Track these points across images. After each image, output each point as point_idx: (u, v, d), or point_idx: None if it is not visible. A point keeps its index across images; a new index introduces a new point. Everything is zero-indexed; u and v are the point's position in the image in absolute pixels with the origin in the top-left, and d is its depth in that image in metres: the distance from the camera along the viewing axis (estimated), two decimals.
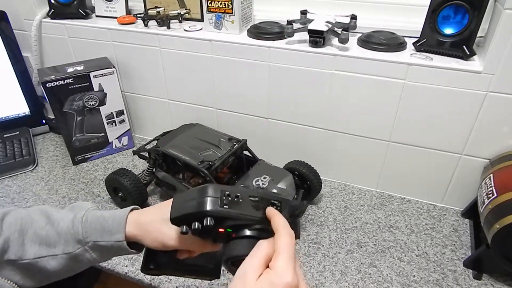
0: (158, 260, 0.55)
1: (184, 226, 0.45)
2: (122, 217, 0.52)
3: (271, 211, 0.46)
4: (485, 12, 0.72)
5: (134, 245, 0.53)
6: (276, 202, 0.47)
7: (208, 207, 0.43)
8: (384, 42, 0.81)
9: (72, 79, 0.97)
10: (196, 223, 0.44)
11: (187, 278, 0.60)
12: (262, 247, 0.43)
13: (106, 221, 0.52)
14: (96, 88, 1.01)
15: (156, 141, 0.90)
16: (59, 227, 0.52)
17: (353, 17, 0.87)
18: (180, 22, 1.01)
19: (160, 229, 0.50)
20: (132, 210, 0.54)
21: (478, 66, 0.73)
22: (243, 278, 0.41)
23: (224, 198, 0.45)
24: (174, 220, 0.47)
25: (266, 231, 0.44)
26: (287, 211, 0.47)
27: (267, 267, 0.42)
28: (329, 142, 0.94)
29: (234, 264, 0.44)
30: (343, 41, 0.80)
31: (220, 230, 0.45)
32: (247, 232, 0.45)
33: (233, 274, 0.44)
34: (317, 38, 0.82)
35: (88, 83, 0.99)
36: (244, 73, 0.93)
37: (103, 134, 1.08)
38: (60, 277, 0.53)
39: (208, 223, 0.43)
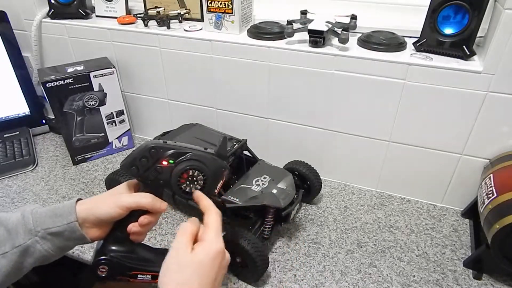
0: (110, 251, 0.56)
1: (133, 167, 0.55)
2: (72, 201, 0.55)
3: (198, 195, 0.57)
4: (485, 12, 0.72)
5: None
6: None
7: (151, 144, 0.55)
8: (384, 42, 0.81)
9: (72, 79, 0.97)
10: (142, 158, 0.55)
11: (141, 282, 0.58)
12: (186, 227, 0.51)
13: (57, 208, 0.55)
14: (96, 88, 1.01)
15: None
16: (8, 224, 0.52)
17: (353, 17, 0.87)
18: (180, 22, 1.01)
19: (112, 195, 0.57)
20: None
21: (478, 66, 0.73)
22: (175, 254, 0.48)
23: (163, 141, 0.57)
24: (125, 166, 0.56)
25: (198, 161, 0.56)
26: (212, 168, 0.57)
27: (195, 242, 0.50)
28: (329, 142, 0.94)
29: (180, 179, 0.55)
30: (343, 41, 0.80)
31: (164, 162, 0.55)
32: (187, 156, 0.55)
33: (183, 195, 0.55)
34: (317, 38, 0.82)
35: (88, 83, 0.99)
36: (244, 73, 0.93)
37: (103, 134, 1.08)
38: (9, 280, 0.52)
39: (152, 151, 0.55)
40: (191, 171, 0.55)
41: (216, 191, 0.58)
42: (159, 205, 0.56)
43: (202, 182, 0.56)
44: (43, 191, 0.97)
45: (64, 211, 0.54)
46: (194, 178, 0.56)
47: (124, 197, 0.55)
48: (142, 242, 0.60)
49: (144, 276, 0.58)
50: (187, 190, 0.56)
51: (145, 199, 0.55)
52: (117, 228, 0.57)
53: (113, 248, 0.56)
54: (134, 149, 0.57)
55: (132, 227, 0.56)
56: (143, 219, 0.56)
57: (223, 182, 0.58)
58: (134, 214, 0.56)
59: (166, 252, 0.62)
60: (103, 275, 0.56)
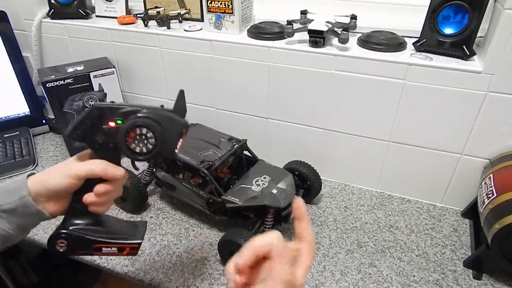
0: (70, 225, 0.54)
1: (78, 131, 0.52)
2: (23, 176, 0.52)
3: (300, 209, 0.46)
4: (485, 12, 0.72)
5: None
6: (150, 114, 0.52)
7: (96, 105, 0.52)
8: (384, 42, 0.81)
9: (72, 79, 0.97)
10: (87, 120, 0.51)
11: (107, 255, 0.57)
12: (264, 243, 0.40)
13: (7, 184, 0.52)
14: (96, 88, 1.01)
15: None
16: None
17: (353, 17, 0.87)
18: (180, 22, 1.01)
19: (64, 165, 0.53)
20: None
21: (478, 66, 0.73)
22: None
23: (111, 101, 0.54)
24: (70, 131, 0.52)
25: (149, 118, 0.50)
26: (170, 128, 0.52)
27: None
28: (329, 142, 0.94)
29: (127, 139, 0.51)
30: (343, 41, 0.80)
31: (111, 124, 0.51)
32: (138, 114, 0.51)
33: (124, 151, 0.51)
34: (317, 38, 0.82)
35: (88, 83, 0.99)
36: (244, 73, 0.93)
37: None
38: None
39: (96, 112, 0.51)
40: (138, 129, 0.50)
41: (176, 151, 0.54)
42: (113, 171, 0.52)
43: (153, 140, 0.51)
44: None
45: (14, 187, 0.51)
46: (143, 137, 0.50)
47: (75, 166, 0.52)
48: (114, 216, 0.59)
49: (110, 249, 0.56)
50: (137, 150, 0.51)
51: (97, 166, 0.52)
52: (75, 201, 0.54)
53: (74, 221, 0.54)
54: None
55: (88, 197, 0.52)
56: (99, 188, 0.52)
57: (183, 141, 0.54)
58: (91, 183, 0.52)
59: (139, 225, 0.60)
60: (62, 250, 0.54)
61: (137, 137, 0.51)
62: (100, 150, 0.53)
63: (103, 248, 0.55)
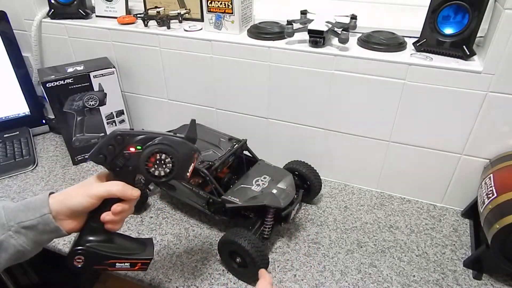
0: (86, 242, 0.57)
1: (101, 155, 0.55)
2: (44, 194, 0.55)
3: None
4: (485, 12, 0.72)
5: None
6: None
7: (117, 131, 0.56)
8: (384, 42, 0.81)
9: (72, 79, 0.97)
10: (109, 146, 0.55)
11: (120, 270, 0.60)
12: None
13: (29, 201, 0.54)
14: (96, 88, 1.01)
15: None
16: None
17: (353, 17, 0.87)
18: (180, 22, 1.01)
19: (84, 186, 0.56)
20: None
21: (478, 66, 0.73)
22: None
23: (131, 128, 0.54)
24: (92, 154, 0.56)
25: (167, 144, 0.56)
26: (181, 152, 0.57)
27: None
28: (329, 142, 0.94)
29: (148, 163, 0.56)
30: (343, 41, 0.80)
31: (131, 149, 0.56)
32: (156, 141, 0.56)
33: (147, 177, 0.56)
34: (317, 38, 0.82)
35: (88, 83, 0.99)
36: (244, 73, 0.93)
37: (103, 134, 1.08)
38: None
39: (118, 138, 0.55)
40: (158, 154, 0.55)
41: (188, 175, 0.58)
42: (131, 192, 0.56)
43: (170, 165, 0.56)
44: (43, 191, 0.97)
45: (36, 204, 0.54)
46: (162, 162, 0.56)
47: (94, 187, 0.55)
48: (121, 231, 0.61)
49: (122, 264, 0.59)
50: (156, 174, 0.56)
51: (115, 186, 0.55)
52: (91, 219, 0.57)
53: (89, 238, 0.57)
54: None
55: (106, 216, 0.56)
56: (116, 207, 0.56)
57: (194, 166, 0.58)
58: (107, 203, 0.56)
59: (147, 242, 0.63)
60: (80, 266, 0.57)
61: (157, 162, 0.56)
62: (120, 172, 0.57)
63: (117, 264, 0.59)
